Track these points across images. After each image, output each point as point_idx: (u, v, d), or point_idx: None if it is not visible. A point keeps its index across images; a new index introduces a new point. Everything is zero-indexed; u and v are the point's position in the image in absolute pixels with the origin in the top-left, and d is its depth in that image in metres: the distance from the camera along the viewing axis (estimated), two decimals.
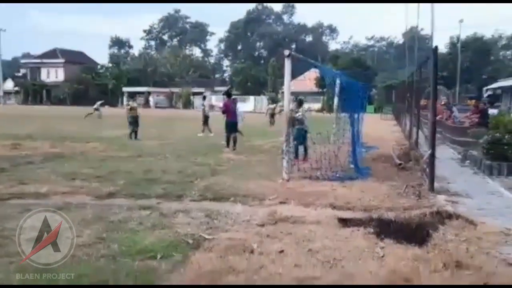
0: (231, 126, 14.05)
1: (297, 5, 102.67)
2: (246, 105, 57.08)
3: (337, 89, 14.43)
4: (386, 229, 5.38)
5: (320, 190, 7.92)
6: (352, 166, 10.32)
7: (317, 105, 52.62)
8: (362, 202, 7.01)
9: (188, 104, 65.15)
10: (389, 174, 9.70)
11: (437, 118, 16.12)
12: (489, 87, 40.54)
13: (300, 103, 11.66)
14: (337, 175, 9.30)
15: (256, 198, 7.37)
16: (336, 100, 14.93)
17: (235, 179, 8.86)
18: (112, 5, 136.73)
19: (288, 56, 8.75)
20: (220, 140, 15.13)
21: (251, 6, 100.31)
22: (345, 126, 12.10)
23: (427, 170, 7.83)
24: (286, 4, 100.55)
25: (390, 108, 41.46)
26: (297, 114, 11.15)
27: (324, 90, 48.71)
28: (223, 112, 14.17)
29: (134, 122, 17.32)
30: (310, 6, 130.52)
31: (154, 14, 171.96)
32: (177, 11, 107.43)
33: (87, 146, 14.44)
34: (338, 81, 13.82)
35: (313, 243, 5.05)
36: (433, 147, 7.29)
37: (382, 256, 4.62)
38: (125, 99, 64.82)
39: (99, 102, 32.24)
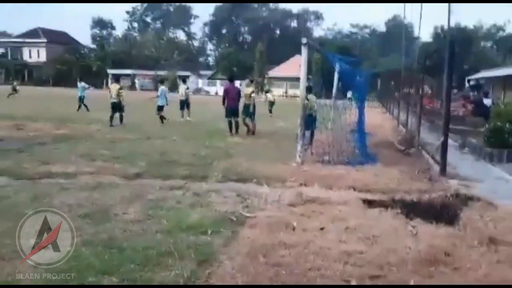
0: (232, 112, 14.16)
1: None
2: None
3: (336, 75, 14.74)
4: (412, 209, 5.77)
5: (336, 173, 8.26)
6: (358, 151, 10.69)
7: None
8: (379, 185, 7.39)
9: (174, 88, 64.76)
10: (395, 159, 10.09)
11: (428, 105, 16.67)
12: (471, 77, 41.49)
13: (309, 90, 11.93)
14: (347, 160, 9.66)
15: (277, 180, 7.67)
16: (334, 86, 15.27)
17: (250, 162, 9.14)
18: None
19: (305, 44, 8.97)
20: (210, 124, 15.37)
21: None
22: (341, 113, 12.40)
23: (437, 156, 8.24)
24: None
25: (375, 96, 41.93)
26: (306, 101, 11.43)
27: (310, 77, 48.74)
28: (224, 98, 14.33)
29: (118, 105, 15.85)
30: None
31: None
32: None
33: (90, 128, 14.52)
34: (337, 67, 14.12)
35: (348, 221, 5.39)
36: (446, 134, 7.70)
37: (416, 234, 5.00)
38: (109, 81, 64.11)
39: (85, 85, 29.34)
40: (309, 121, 11.40)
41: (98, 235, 4.66)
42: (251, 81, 15.79)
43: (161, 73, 68.62)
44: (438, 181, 7.62)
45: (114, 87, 16.14)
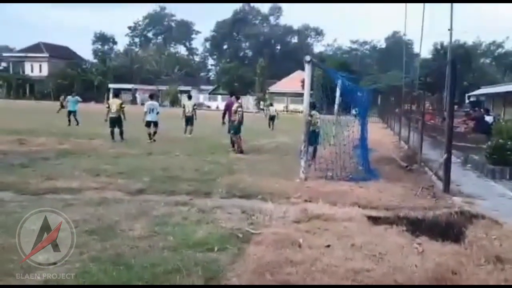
0: (235, 127, 14.18)
1: (284, 7, 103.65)
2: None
3: (338, 92, 14.84)
4: (417, 227, 5.78)
5: (340, 189, 8.30)
6: (360, 167, 10.72)
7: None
8: (383, 202, 7.42)
9: (175, 102, 65.02)
10: (398, 176, 10.13)
11: (429, 121, 16.74)
12: (471, 93, 41.61)
13: (313, 106, 12.01)
14: (350, 176, 9.68)
15: (281, 196, 7.70)
16: (337, 102, 15.35)
17: (253, 178, 9.18)
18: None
19: (309, 62, 9.08)
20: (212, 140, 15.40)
21: (238, 6, 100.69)
22: (344, 129, 12.46)
23: (440, 172, 8.26)
24: (273, 5, 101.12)
25: (375, 111, 42.07)
26: (309, 117, 11.50)
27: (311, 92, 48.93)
28: (224, 112, 14.43)
29: (118, 120, 15.63)
30: (297, 9, 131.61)
31: (139, 10, 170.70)
32: (162, 9, 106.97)
33: (93, 143, 14.54)
34: (339, 84, 14.23)
35: (353, 238, 5.40)
36: (449, 151, 7.74)
37: (422, 252, 5.01)
38: (111, 95, 64.50)
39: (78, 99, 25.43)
40: (312, 137, 11.46)
41: (105, 251, 4.66)
42: (237, 98, 15.32)
43: (162, 87, 69.16)
44: (442, 198, 7.64)
45: (114, 102, 16.03)
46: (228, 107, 14.54)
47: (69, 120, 21.34)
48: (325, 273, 4.38)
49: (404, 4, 53.04)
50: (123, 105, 15.96)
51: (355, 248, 5.07)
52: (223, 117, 14.59)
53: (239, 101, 14.50)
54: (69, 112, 21.53)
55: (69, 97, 22.31)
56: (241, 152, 13.49)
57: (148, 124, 15.98)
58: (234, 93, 15.85)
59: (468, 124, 15.02)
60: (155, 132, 15.93)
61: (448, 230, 5.57)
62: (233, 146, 14.09)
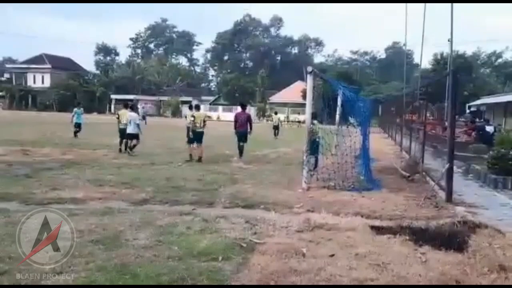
0: (240, 136, 14.55)
1: (284, 18, 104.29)
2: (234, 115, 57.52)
3: (339, 102, 14.94)
4: (420, 236, 5.79)
5: (342, 199, 8.33)
6: (362, 177, 10.73)
7: (303, 117, 53.16)
8: (386, 212, 7.43)
9: (177, 113, 65.23)
10: (400, 185, 10.15)
11: (430, 131, 16.77)
12: (472, 103, 41.70)
13: (314, 116, 12.10)
14: (352, 185, 9.70)
15: (284, 206, 7.73)
16: (338, 112, 15.44)
17: (256, 188, 9.23)
18: (98, 10, 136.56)
19: (311, 72, 9.17)
20: (214, 150, 15.44)
21: (239, 17, 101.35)
22: (346, 139, 12.52)
23: (442, 182, 8.28)
24: (274, 16, 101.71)
25: (376, 122, 42.16)
26: (311, 126, 11.57)
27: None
28: (235, 123, 14.68)
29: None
30: (297, 20, 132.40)
31: (141, 21, 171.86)
32: (164, 20, 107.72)
33: (96, 153, 14.60)
34: (340, 94, 14.32)
35: (357, 248, 5.41)
36: (451, 161, 7.77)
37: (425, 261, 5.01)
38: (113, 106, 64.69)
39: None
40: (314, 147, 11.51)
41: (111, 260, 4.68)
42: (243, 107, 15.65)
43: (164, 98, 69.36)
44: (444, 208, 7.65)
45: (124, 112, 15.98)
46: (237, 118, 14.89)
47: (76, 132, 20.86)
48: (329, 283, 4.40)
49: (404, 15, 53.21)
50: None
51: (359, 258, 5.08)
52: (235, 127, 14.86)
53: (247, 110, 15.20)
54: (76, 124, 21.19)
55: (75, 109, 22.10)
56: (200, 159, 13.53)
57: (130, 136, 15.05)
58: (244, 106, 16.08)
59: (469, 134, 15.05)
60: (134, 145, 15.02)
61: (451, 239, 5.57)
62: (241, 155, 14.39)
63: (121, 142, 15.47)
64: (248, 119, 14.73)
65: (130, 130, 14.96)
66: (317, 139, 11.66)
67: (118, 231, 5.78)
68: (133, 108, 16.97)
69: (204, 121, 14.23)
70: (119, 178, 9.86)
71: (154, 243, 5.34)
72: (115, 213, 6.72)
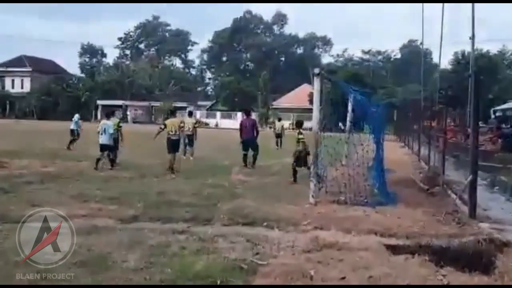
0: (247, 144, 14.97)
1: (289, 15, 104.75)
2: (233, 122, 57.77)
3: (349, 107, 15.00)
4: (441, 256, 5.77)
5: (354, 215, 8.31)
6: (376, 190, 10.70)
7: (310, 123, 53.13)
8: (403, 229, 7.40)
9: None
10: (418, 199, 10.12)
11: (451, 139, 16.78)
12: (497, 108, 41.68)
13: (300, 125, 12.76)
14: (365, 200, 9.67)
15: (289, 223, 7.72)
16: (348, 119, 15.49)
17: (258, 203, 9.19)
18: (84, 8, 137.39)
19: (318, 74, 9.20)
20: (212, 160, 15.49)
21: (238, 14, 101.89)
22: (358, 148, 12.54)
23: (465, 196, 8.26)
24: (277, 13, 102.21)
25: (391, 128, 42.07)
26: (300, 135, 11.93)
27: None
28: (241, 131, 15.11)
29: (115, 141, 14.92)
30: (302, 16, 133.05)
31: (130, 19, 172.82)
32: (156, 18, 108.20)
33: (81, 165, 14.57)
34: (351, 99, 14.38)
35: (371, 270, 5.39)
36: (474, 172, 7.76)
37: (447, 284, 5.00)
38: (99, 113, 64.77)
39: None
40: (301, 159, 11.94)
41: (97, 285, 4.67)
42: (247, 113, 16.31)
43: (156, 104, 69.51)
44: (467, 224, 7.63)
45: (111, 121, 15.87)
46: (243, 126, 15.40)
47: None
48: None
49: (420, 10, 53.49)
50: (120, 125, 15.82)
51: (373, 281, 5.07)
52: (241, 135, 15.38)
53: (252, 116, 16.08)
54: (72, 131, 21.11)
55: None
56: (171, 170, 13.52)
57: (104, 147, 14.19)
58: (249, 113, 16.36)
59: (494, 142, 15.05)
60: (113, 160, 14.39)
61: (476, 259, 5.57)
62: (246, 164, 14.94)
63: (109, 155, 15.30)
64: (254, 125, 15.03)
65: (103, 140, 14.15)
66: (307, 149, 11.75)
67: (105, 252, 5.79)
68: (109, 115, 16.15)
69: (181, 127, 14.37)
70: (106, 193, 9.85)
71: (145, 265, 5.34)
72: (102, 232, 6.72)
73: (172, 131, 13.94)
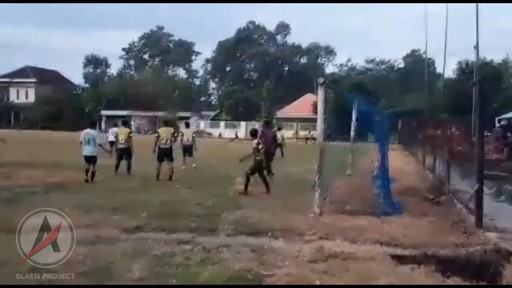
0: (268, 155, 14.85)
1: (292, 25, 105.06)
2: (237, 131, 57.88)
3: (354, 116, 15.03)
4: (448, 266, 5.73)
5: (359, 225, 8.25)
6: (381, 200, 10.66)
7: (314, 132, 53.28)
8: (409, 239, 7.36)
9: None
10: (424, 209, 10.05)
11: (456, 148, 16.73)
12: (502, 116, 41.57)
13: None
14: (370, 209, 9.63)
15: (294, 233, 7.69)
16: (352, 128, 15.50)
17: (262, 213, 9.17)
18: (88, 19, 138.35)
19: (322, 84, 9.20)
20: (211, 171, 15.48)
21: (242, 24, 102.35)
22: (361, 157, 12.56)
23: (471, 205, 8.21)
24: (280, 23, 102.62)
25: (395, 137, 41.94)
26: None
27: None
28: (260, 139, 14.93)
29: (127, 151, 15.27)
30: (306, 26, 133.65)
31: (134, 30, 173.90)
32: (160, 28, 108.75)
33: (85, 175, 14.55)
34: (355, 108, 14.42)
35: (377, 280, 5.37)
36: (480, 181, 7.72)
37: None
38: (103, 123, 64.90)
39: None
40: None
41: None
42: (266, 124, 16.71)
43: (160, 113, 69.60)
44: (474, 234, 7.57)
45: (122, 131, 15.91)
46: (263, 136, 15.25)
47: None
48: None
49: (423, 19, 53.57)
50: (131, 135, 15.82)
51: None
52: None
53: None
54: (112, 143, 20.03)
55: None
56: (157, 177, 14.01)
57: (89, 159, 13.58)
58: (269, 123, 16.46)
59: (500, 151, 14.99)
60: (93, 172, 13.56)
61: (483, 269, 5.53)
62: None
63: (117, 165, 15.25)
64: (275, 137, 15.22)
65: (87, 151, 13.52)
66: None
67: (108, 262, 5.78)
68: (93, 124, 15.88)
69: (175, 137, 14.83)
70: (110, 203, 9.86)
71: (149, 275, 5.34)
72: (106, 242, 6.72)
73: (163, 140, 14.11)
